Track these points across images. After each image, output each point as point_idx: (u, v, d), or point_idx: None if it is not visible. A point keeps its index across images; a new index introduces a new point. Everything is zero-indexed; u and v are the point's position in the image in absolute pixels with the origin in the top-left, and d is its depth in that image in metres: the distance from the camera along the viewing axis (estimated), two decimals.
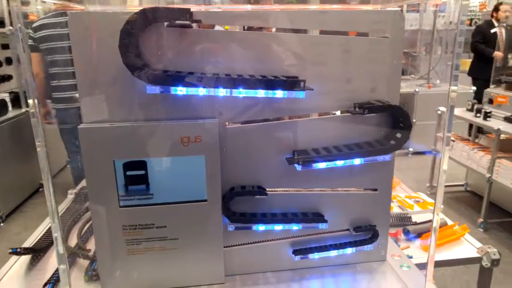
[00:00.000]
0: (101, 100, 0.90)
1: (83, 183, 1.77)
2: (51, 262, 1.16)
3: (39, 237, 1.29)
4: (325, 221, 1.02)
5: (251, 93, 0.91)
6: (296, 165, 0.97)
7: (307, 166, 0.96)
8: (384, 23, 0.95)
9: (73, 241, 1.24)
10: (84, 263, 1.11)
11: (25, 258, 1.18)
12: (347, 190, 1.04)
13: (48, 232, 1.32)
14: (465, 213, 3.67)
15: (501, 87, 3.82)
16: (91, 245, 1.21)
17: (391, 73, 0.98)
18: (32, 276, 1.11)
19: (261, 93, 0.92)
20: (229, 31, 0.99)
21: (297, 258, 1.04)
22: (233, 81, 0.89)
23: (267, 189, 1.00)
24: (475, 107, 3.67)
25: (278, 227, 1.01)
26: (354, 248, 1.05)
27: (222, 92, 0.91)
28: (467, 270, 2.70)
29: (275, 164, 0.99)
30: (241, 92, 0.91)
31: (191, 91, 0.89)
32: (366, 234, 1.06)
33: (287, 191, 1.02)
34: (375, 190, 1.05)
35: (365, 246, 1.06)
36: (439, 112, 3.85)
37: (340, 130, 1.00)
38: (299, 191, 1.03)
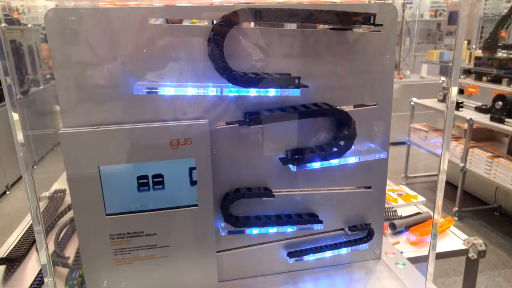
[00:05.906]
0: (82, 103, 0.83)
1: (56, 185, 1.69)
2: (28, 272, 1.09)
3: (13, 245, 1.21)
4: (320, 222, 0.99)
5: (243, 91, 0.87)
6: (290, 165, 0.93)
7: (302, 166, 0.93)
8: (378, 17, 0.92)
9: (49, 248, 1.16)
10: (63, 271, 1.05)
11: None
12: (341, 189, 1.01)
13: (23, 240, 1.24)
14: None
15: (471, 77, 3.91)
16: (69, 252, 1.15)
17: (384, 68, 0.96)
18: None
19: (252, 91, 0.88)
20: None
21: (292, 260, 1.01)
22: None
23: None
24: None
25: (273, 229, 0.97)
26: (349, 248, 1.03)
27: (212, 91, 0.86)
28: (446, 259, 2.75)
29: (267, 165, 0.96)
30: (232, 91, 0.87)
31: (180, 91, 0.85)
32: (361, 233, 1.04)
33: (280, 191, 0.99)
34: (369, 188, 1.03)
35: (360, 246, 1.04)
36: (412, 103, 3.89)
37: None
38: (291, 191, 0.99)
